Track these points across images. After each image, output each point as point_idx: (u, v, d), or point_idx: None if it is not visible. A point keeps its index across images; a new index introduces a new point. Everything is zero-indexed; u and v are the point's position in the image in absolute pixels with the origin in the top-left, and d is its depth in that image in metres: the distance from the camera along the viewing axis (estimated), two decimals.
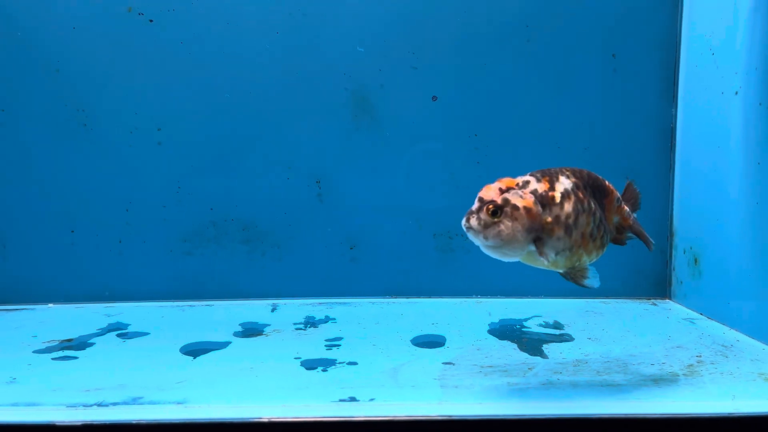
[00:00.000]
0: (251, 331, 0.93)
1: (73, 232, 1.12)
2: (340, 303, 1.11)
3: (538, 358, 0.79)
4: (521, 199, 0.61)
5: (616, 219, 0.70)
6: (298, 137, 1.14)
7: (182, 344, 0.85)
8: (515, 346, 0.84)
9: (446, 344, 0.85)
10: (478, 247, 1.14)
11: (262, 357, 0.79)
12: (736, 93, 0.93)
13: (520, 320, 0.99)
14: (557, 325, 0.95)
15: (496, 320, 0.98)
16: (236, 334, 0.91)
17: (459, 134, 1.14)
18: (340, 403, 0.64)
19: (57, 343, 0.87)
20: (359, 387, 0.68)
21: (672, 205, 1.13)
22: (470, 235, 0.63)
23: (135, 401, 0.65)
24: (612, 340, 0.87)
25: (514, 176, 0.66)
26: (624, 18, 1.11)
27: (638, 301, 1.13)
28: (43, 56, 1.09)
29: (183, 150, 1.13)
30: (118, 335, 0.91)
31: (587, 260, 0.67)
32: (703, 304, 1.02)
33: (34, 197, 1.11)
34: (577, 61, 1.13)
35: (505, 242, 0.61)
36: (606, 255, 1.15)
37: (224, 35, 1.11)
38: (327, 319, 1.00)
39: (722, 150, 0.96)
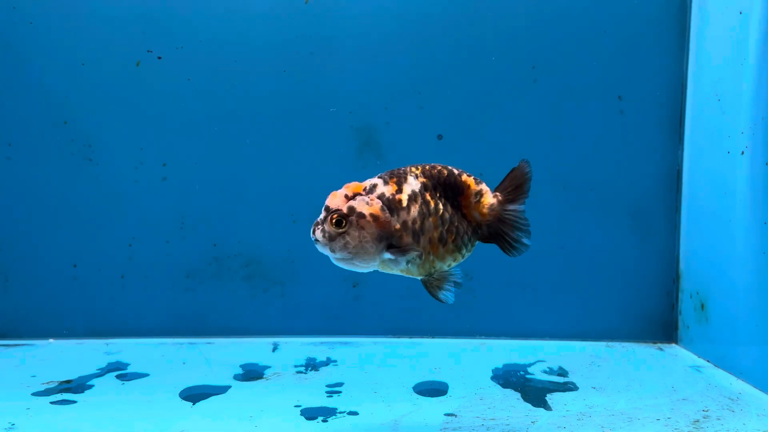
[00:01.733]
0: (251, 373, 0.92)
1: (75, 266, 1.12)
2: (342, 342, 1.10)
3: (542, 410, 0.78)
4: (367, 206, 0.58)
5: (478, 216, 0.64)
6: (302, 174, 1.14)
7: (182, 388, 0.85)
8: (519, 395, 0.83)
9: (448, 392, 0.84)
10: (483, 287, 1.15)
11: (261, 405, 0.78)
12: (742, 134, 0.92)
13: (524, 365, 0.97)
14: (562, 372, 0.94)
15: (500, 365, 0.97)
16: (236, 377, 0.90)
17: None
18: None
19: (56, 384, 0.86)
20: None
21: (678, 247, 1.12)
22: (318, 248, 0.59)
23: None
24: (617, 391, 0.85)
25: None
26: (630, 60, 1.12)
27: (644, 345, 1.11)
28: (51, 91, 1.10)
29: (187, 186, 1.13)
30: (117, 376, 0.90)
31: (443, 266, 0.62)
32: (710, 349, 1.01)
33: (37, 230, 1.11)
34: (583, 102, 1.13)
35: (353, 254, 0.57)
36: (611, 297, 1.15)
37: (231, 73, 1.12)
38: (328, 361, 0.99)
39: (729, 193, 0.96)
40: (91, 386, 0.85)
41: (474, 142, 1.14)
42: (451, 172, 0.63)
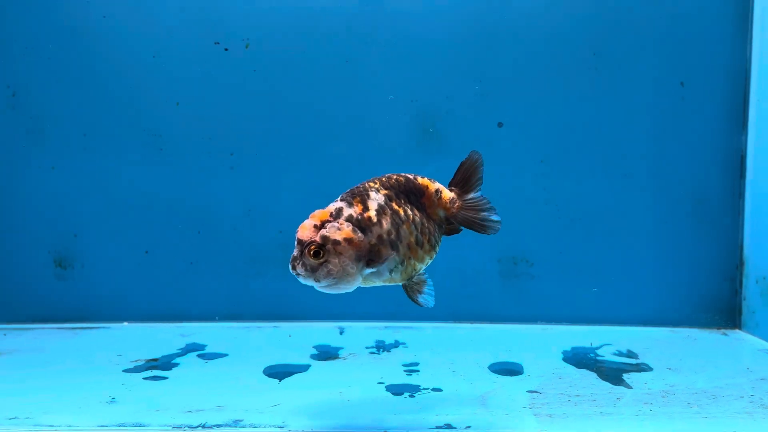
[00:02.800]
0: (326, 354, 0.95)
1: (147, 253, 1.15)
2: (405, 327, 1.12)
3: (623, 387, 0.79)
4: (339, 232, 0.59)
5: (442, 213, 0.66)
6: (365, 162, 1.16)
7: (263, 366, 0.87)
8: (595, 375, 0.84)
9: (524, 372, 0.85)
10: (543, 273, 1.16)
11: (346, 381, 0.81)
12: None
13: (592, 348, 0.98)
14: (631, 354, 0.95)
15: (568, 348, 0.98)
16: (313, 357, 0.93)
17: (525, 161, 1.15)
18: (438, 430, 0.65)
19: (143, 362, 0.89)
20: (452, 414, 0.69)
21: (742, 233, 1.12)
22: (301, 281, 0.60)
23: (237, 424, 0.66)
24: (693, 371, 0.86)
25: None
26: (692, 45, 1.12)
27: (707, 330, 1.11)
28: (123, 83, 1.13)
29: (254, 174, 1.16)
30: (199, 356, 0.93)
31: (422, 267, 0.65)
32: None
33: (111, 218, 1.15)
34: (644, 89, 1.13)
35: (337, 279, 0.59)
36: (673, 283, 1.16)
37: (295, 63, 1.14)
38: (397, 344, 1.01)
39: None
40: (176, 364, 0.89)
41: (534, 129, 1.15)
42: (407, 178, 0.65)
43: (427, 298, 0.65)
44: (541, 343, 1.02)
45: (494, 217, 0.67)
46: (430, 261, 0.66)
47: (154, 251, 1.16)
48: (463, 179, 0.68)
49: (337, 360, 0.91)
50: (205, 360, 0.91)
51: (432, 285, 0.66)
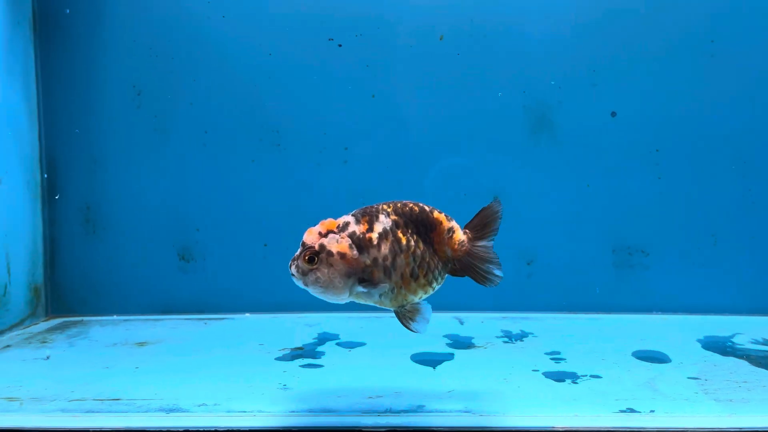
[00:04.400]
0: (461, 343, 0.96)
1: (266, 245, 1.18)
2: (522, 317, 1.12)
3: None
4: (336, 244, 0.60)
5: (449, 252, 0.66)
6: (475, 154, 1.17)
7: (409, 354, 0.89)
8: (746, 362, 0.84)
9: (673, 360, 0.85)
10: (658, 263, 1.16)
11: (501, 368, 0.82)
12: None
13: (726, 337, 0.97)
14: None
15: (701, 337, 0.98)
16: (450, 346, 0.94)
17: (639, 150, 1.15)
18: (622, 414, 0.66)
19: (288, 351, 0.92)
20: (628, 399, 0.69)
21: None
22: (294, 281, 0.62)
23: (420, 409, 0.68)
24: None
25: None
26: None
27: None
28: (242, 80, 1.16)
29: (366, 168, 1.17)
30: (337, 345, 0.95)
31: (414, 299, 0.65)
32: None
33: (231, 212, 1.18)
34: (762, 76, 1.12)
35: (324, 288, 0.61)
36: None
37: (407, 57, 1.16)
38: (526, 333, 1.01)
39: None
40: (322, 353, 0.91)
41: (648, 118, 1.14)
42: (422, 209, 0.65)
43: (419, 325, 0.65)
44: (671, 333, 1.01)
45: (497, 272, 0.67)
46: (425, 295, 0.66)
47: (272, 243, 1.18)
48: (479, 225, 0.68)
49: (476, 349, 0.92)
50: (348, 349, 0.93)
51: (429, 311, 0.66)
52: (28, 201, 1.10)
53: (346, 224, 0.62)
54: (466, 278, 1.17)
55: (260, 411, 0.67)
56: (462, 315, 1.15)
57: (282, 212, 1.18)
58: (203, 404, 0.69)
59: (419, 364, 0.85)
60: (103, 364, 0.85)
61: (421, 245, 0.63)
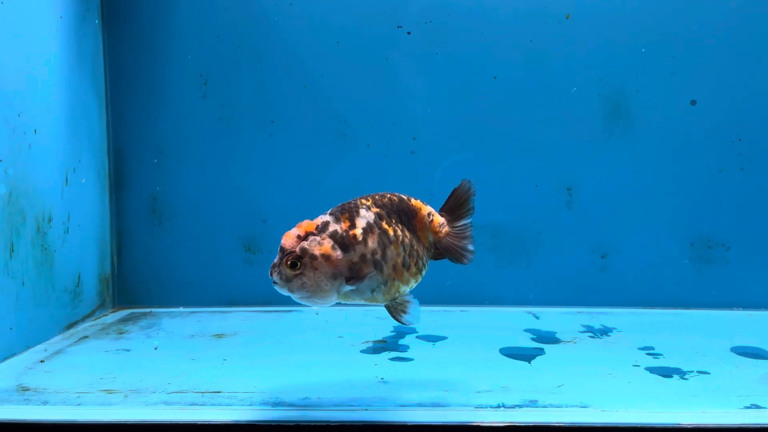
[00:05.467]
0: (545, 338, 0.93)
1: None
2: (600, 312, 1.09)
3: None
4: (319, 247, 0.58)
5: (431, 237, 0.65)
6: (547, 144, 1.14)
7: (495, 347, 0.86)
8: None
9: None
10: (740, 258, 1.12)
11: (599, 363, 0.79)
12: None
13: None
14: None
15: None
16: (535, 340, 0.91)
17: (720, 140, 1.11)
18: (748, 410, 0.63)
19: (371, 344, 0.89)
20: (749, 395, 0.66)
21: None
22: (277, 289, 0.59)
23: (533, 404, 0.65)
24: None
25: None
26: None
27: None
28: (308, 69, 1.14)
29: (435, 158, 1.15)
30: (417, 338, 0.93)
31: (406, 289, 0.63)
32: None
33: (298, 204, 1.15)
34: None
35: (310, 293, 0.58)
36: None
37: (477, 45, 1.13)
38: (608, 329, 0.98)
39: None
40: (406, 346, 0.88)
41: (730, 107, 1.10)
42: (401, 198, 0.64)
43: (411, 317, 0.64)
44: (763, 329, 0.98)
45: (470, 246, 0.66)
46: (415, 284, 0.64)
47: None
48: (455, 206, 0.68)
49: (565, 343, 0.90)
50: (431, 342, 0.90)
51: (418, 304, 0.65)
52: (97, 192, 1.09)
53: (326, 224, 0.60)
54: (537, 273, 1.15)
55: (369, 406, 0.65)
56: (534, 310, 1.12)
57: None
58: (306, 398, 0.67)
59: (511, 358, 0.82)
60: (188, 356, 0.84)
61: (407, 234, 0.62)
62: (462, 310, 1.12)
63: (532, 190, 1.15)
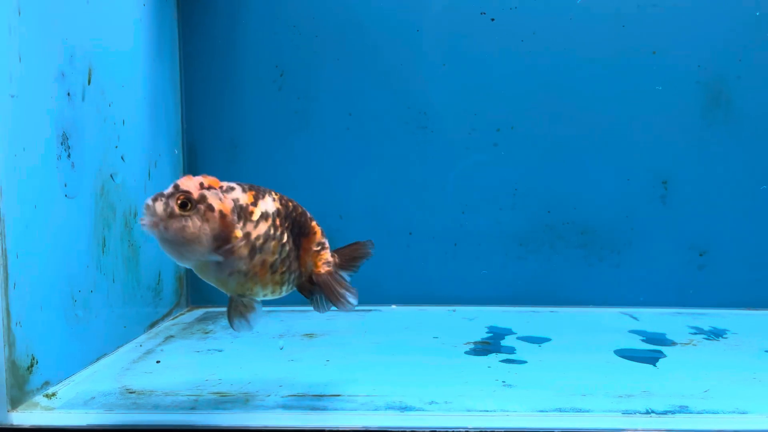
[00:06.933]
0: (656, 339, 0.87)
1: (410, 234, 1.11)
2: (700, 314, 1.03)
3: None
4: (219, 202, 0.54)
5: (310, 266, 0.62)
6: (640, 135, 1.08)
7: (605, 349, 0.81)
8: None
9: None
10: None
11: (733, 366, 0.73)
12: None
13: None
14: None
15: None
16: (645, 342, 0.85)
17: None
18: None
19: (473, 344, 0.84)
20: None
21: None
22: (146, 220, 0.53)
23: (683, 410, 0.59)
24: None
25: None
26: None
27: None
28: (387, 60, 1.09)
29: (520, 151, 1.09)
30: (518, 339, 0.87)
31: (259, 291, 0.58)
32: None
33: (376, 199, 1.11)
34: None
35: (186, 241, 0.53)
36: None
37: (565, 31, 1.07)
38: (720, 330, 0.91)
39: None
40: (511, 348, 0.83)
41: None
42: (304, 213, 0.62)
43: (243, 325, 0.59)
44: None
45: (352, 300, 0.63)
46: (269, 294, 0.59)
47: (417, 232, 1.11)
48: (349, 256, 0.65)
49: (684, 346, 0.83)
50: (536, 344, 0.85)
51: (260, 315, 0.60)
52: None
53: (231, 188, 0.56)
54: (629, 272, 1.09)
55: (504, 410, 0.60)
56: (628, 310, 1.06)
57: (428, 199, 1.11)
58: (433, 401, 0.62)
59: (631, 360, 0.77)
60: (286, 357, 0.79)
61: (291, 243, 0.59)
62: (551, 311, 1.06)
63: (624, 184, 1.08)
